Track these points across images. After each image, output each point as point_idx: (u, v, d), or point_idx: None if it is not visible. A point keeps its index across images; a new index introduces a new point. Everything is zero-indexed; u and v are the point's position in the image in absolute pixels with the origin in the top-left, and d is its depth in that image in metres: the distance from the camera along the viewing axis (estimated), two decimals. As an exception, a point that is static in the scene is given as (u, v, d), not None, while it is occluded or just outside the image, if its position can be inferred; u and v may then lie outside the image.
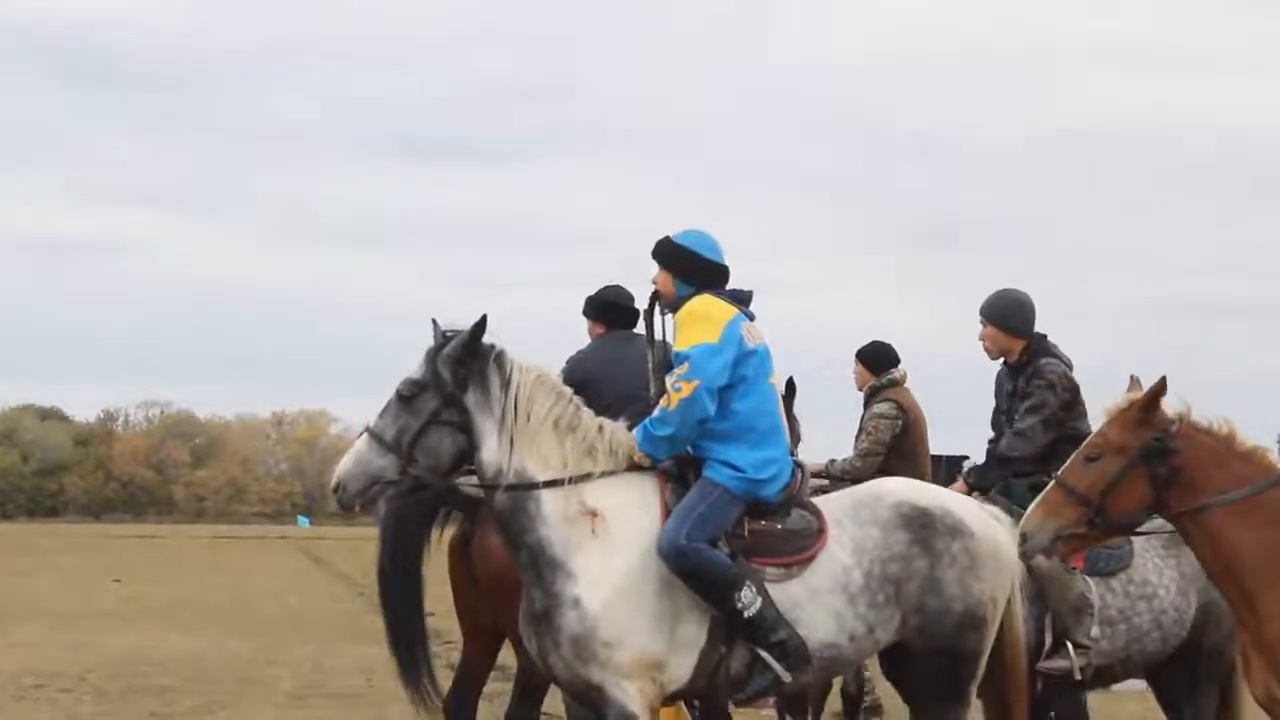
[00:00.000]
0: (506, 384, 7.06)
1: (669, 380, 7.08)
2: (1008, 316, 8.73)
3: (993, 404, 8.90)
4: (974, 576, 7.22)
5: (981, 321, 8.79)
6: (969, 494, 8.15)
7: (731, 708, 8.74)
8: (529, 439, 7.05)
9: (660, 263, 7.34)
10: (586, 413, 7.20)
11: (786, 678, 7.04)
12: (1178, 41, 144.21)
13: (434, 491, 7.63)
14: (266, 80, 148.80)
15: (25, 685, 14.44)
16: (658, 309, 7.44)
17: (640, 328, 7.91)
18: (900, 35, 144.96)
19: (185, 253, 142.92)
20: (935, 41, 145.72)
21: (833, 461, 10.25)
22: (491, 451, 7.03)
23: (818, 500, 7.39)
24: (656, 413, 7.11)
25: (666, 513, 7.04)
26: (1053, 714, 8.95)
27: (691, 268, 7.27)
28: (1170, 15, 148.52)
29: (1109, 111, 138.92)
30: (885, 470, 9.59)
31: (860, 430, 10.34)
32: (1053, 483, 6.80)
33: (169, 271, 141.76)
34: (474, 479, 7.20)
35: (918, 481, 7.90)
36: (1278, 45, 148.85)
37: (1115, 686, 9.03)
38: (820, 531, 7.18)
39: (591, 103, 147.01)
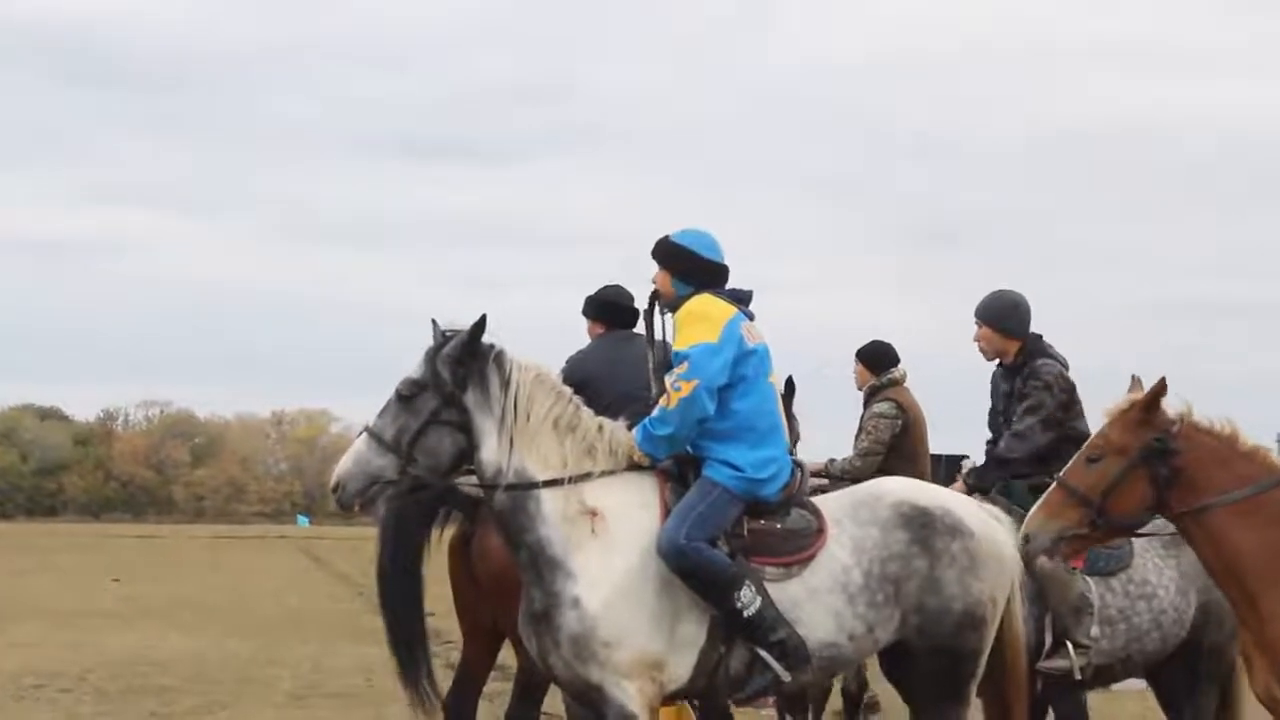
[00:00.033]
0: (506, 383, 7.05)
1: (668, 380, 7.08)
2: (1003, 318, 8.72)
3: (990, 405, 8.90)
4: (974, 576, 7.22)
5: (977, 323, 8.78)
6: (969, 495, 8.14)
7: (732, 707, 8.75)
8: (528, 438, 7.05)
9: (659, 262, 7.34)
10: (586, 412, 7.20)
11: (786, 677, 7.03)
12: (1178, 41, 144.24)
13: (433, 491, 7.63)
14: (266, 80, 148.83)
15: (25, 685, 14.44)
16: (657, 309, 7.44)
17: (640, 328, 7.91)
18: (900, 35, 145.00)
19: (185, 253, 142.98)
20: (935, 41, 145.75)
21: (832, 461, 10.24)
22: (491, 451, 7.03)
23: (817, 500, 7.38)
24: (656, 412, 7.11)
25: (666, 512, 7.04)
26: (1053, 713, 8.96)
27: (690, 267, 7.27)
28: (1170, 15, 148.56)
29: (1109, 111, 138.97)
30: (885, 470, 9.59)
31: (860, 430, 10.33)
32: (1054, 484, 6.80)
33: (169, 271, 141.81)
34: (474, 479, 7.20)
35: (917, 481, 7.90)
36: (1278, 45, 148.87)
37: (1115, 686, 9.03)
38: (820, 531, 7.18)
39: (591, 103, 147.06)
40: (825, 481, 9.55)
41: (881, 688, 9.21)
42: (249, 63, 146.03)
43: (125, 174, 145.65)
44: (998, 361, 8.82)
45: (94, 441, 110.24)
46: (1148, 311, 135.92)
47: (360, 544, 34.61)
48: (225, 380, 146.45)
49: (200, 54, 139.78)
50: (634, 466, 7.15)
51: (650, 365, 7.48)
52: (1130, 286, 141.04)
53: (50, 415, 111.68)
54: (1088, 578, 8.21)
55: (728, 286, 7.28)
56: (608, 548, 6.98)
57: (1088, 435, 8.25)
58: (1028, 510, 7.29)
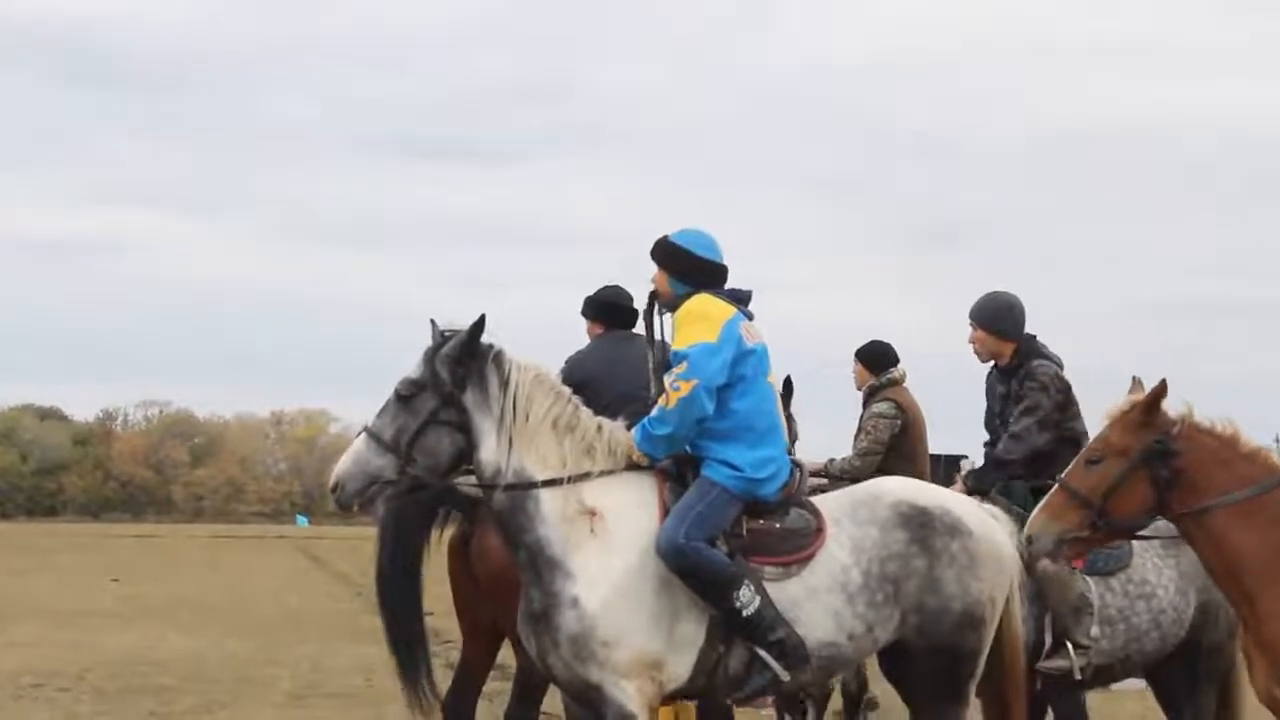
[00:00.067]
0: (505, 383, 7.05)
1: (667, 379, 7.07)
2: (997, 319, 8.71)
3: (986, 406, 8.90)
4: (973, 575, 7.21)
5: (971, 325, 8.76)
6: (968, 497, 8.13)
7: (733, 707, 8.73)
8: (527, 438, 7.05)
9: (657, 262, 7.33)
10: (585, 412, 7.19)
11: (785, 677, 7.03)
12: (1178, 41, 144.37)
13: (432, 491, 7.62)
14: (266, 80, 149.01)
15: (24, 685, 14.44)
16: (656, 308, 7.43)
17: (639, 328, 7.90)
18: (900, 35, 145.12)
19: (185, 253, 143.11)
20: (935, 41, 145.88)
21: (831, 460, 10.24)
22: (490, 451, 7.02)
23: (816, 499, 7.38)
24: (655, 412, 7.10)
25: (665, 512, 7.03)
26: (1052, 713, 8.95)
27: (687, 267, 7.26)
28: (1170, 15, 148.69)
29: (1109, 111, 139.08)
30: (884, 469, 9.58)
31: (859, 429, 10.33)
32: (1056, 486, 6.79)
33: (169, 271, 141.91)
34: (472, 479, 7.19)
35: (917, 481, 7.90)
36: (1278, 45, 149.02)
37: (1114, 686, 9.03)
38: (819, 530, 7.17)
39: (591, 103, 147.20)
40: (824, 481, 9.55)
41: (881, 688, 9.20)
42: (249, 63, 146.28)
43: (125, 174, 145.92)
44: (992, 363, 8.81)
45: (93, 441, 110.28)
46: (1148, 311, 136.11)
47: (359, 544, 34.64)
48: (225, 380, 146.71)
49: (200, 54, 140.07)
50: (633, 466, 7.14)
51: (650, 365, 7.47)
52: (1130, 286, 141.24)
53: (50, 415, 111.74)
54: (1087, 577, 8.20)
55: (727, 286, 7.28)
56: (607, 547, 6.97)
57: (1085, 435, 8.28)
58: (1028, 510, 7.29)
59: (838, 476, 9.87)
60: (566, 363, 8.50)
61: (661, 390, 7.14)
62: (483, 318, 7.04)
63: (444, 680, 8.65)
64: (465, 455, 7.05)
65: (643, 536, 6.99)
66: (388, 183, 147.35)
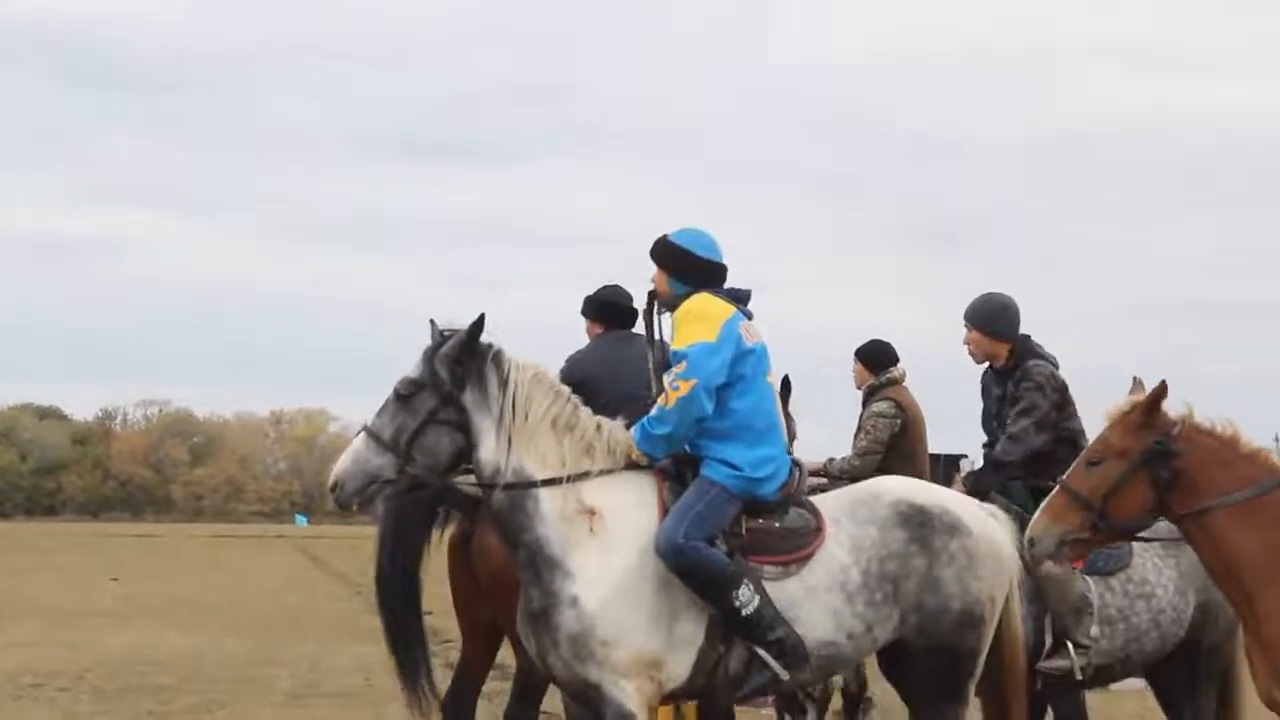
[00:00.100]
0: (504, 383, 7.04)
1: (666, 379, 7.07)
2: (992, 321, 8.70)
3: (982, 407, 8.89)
4: (972, 575, 7.21)
5: (966, 326, 8.75)
6: (967, 498, 8.13)
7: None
8: (527, 438, 7.04)
9: (656, 261, 7.33)
10: (584, 411, 7.19)
11: (785, 676, 7.02)
12: (1178, 41, 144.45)
13: (432, 491, 7.61)
14: (266, 80, 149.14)
15: (23, 684, 14.45)
16: (656, 308, 7.43)
17: (639, 327, 7.90)
18: (900, 35, 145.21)
19: (185, 253, 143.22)
20: (935, 41, 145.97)
21: (831, 460, 10.22)
22: (489, 450, 7.02)
23: (816, 499, 7.37)
24: (654, 411, 7.10)
25: (664, 511, 7.03)
26: (1052, 713, 8.95)
27: (686, 266, 7.26)
28: (1170, 15, 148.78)
29: (1109, 111, 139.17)
30: (884, 469, 9.57)
31: (859, 429, 10.31)
32: (1057, 488, 6.79)
33: (169, 271, 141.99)
34: (472, 478, 7.19)
35: (916, 480, 7.89)
36: (1278, 45, 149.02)
37: (1114, 685, 9.03)
38: (818, 530, 7.17)
39: (591, 103, 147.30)
40: (824, 480, 9.54)
41: (881, 687, 9.20)
42: (249, 63, 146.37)
43: (125, 174, 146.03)
44: (988, 364, 8.81)
45: (93, 441, 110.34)
46: (1147, 311, 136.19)
47: (358, 543, 34.63)
48: (224, 380, 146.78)
49: (200, 54, 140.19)
50: (632, 465, 7.14)
51: (650, 365, 7.47)
52: (1130, 286, 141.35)
53: (49, 415, 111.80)
54: (1087, 577, 8.20)
55: (726, 285, 7.28)
56: (606, 547, 6.97)
57: (1082, 434, 8.29)
58: (1027, 510, 7.28)
59: (837, 476, 9.86)
60: (566, 362, 8.50)
61: (661, 390, 7.14)
62: (482, 317, 7.04)
63: (443, 680, 8.65)
64: (464, 454, 7.05)
65: (642, 536, 6.99)
66: (388, 183, 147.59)
